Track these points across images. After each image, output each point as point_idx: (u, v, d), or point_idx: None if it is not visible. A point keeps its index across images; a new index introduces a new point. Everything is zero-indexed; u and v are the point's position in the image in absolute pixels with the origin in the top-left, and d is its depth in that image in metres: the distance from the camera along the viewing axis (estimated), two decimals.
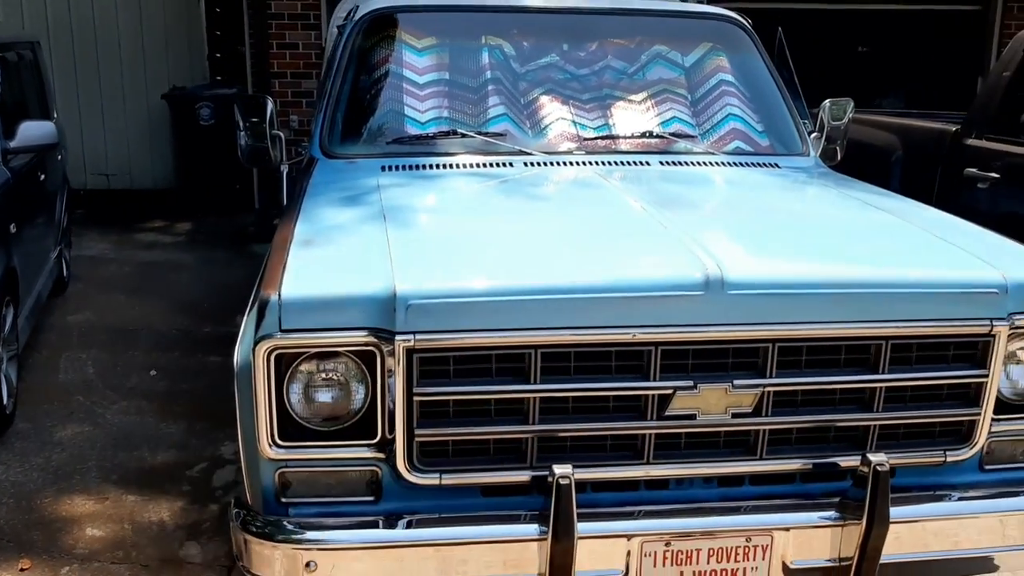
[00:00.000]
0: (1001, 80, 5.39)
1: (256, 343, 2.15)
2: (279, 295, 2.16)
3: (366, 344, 2.17)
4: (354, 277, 2.24)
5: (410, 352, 2.16)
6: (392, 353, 2.16)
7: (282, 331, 2.15)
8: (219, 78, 10.05)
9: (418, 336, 2.15)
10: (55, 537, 3.42)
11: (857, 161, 5.03)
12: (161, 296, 6.53)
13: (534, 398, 2.23)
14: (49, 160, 5.75)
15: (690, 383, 2.24)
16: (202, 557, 3.32)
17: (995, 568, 2.58)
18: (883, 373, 2.30)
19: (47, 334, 5.57)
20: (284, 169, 3.82)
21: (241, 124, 3.79)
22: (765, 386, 2.26)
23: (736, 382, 2.25)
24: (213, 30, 10.16)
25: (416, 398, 2.19)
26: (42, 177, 5.44)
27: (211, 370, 5.09)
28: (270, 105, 3.71)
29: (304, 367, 2.21)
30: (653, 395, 2.25)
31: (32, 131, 4.74)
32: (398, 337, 2.14)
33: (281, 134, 3.74)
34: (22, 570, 3.22)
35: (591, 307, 2.19)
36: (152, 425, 4.39)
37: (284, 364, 2.19)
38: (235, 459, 4.03)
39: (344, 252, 2.45)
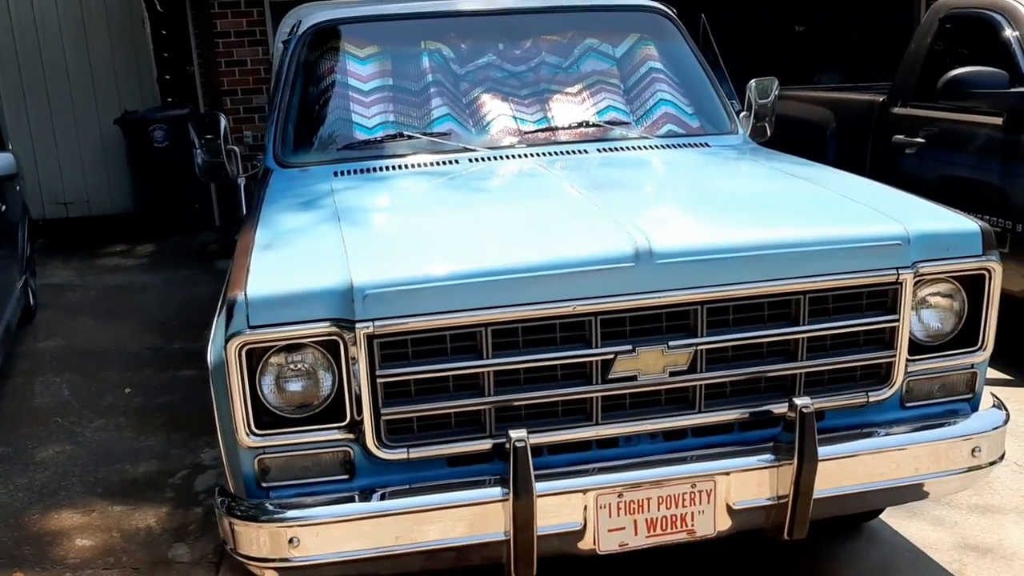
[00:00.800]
0: (920, 49, 5.68)
1: (227, 340, 2.33)
2: (245, 294, 2.34)
3: (329, 334, 2.35)
4: (313, 273, 2.42)
5: (370, 338, 2.35)
6: (354, 340, 2.34)
7: (250, 327, 2.32)
8: (170, 100, 10.16)
9: (376, 323, 2.34)
10: (46, 550, 3.56)
11: (795, 136, 5.29)
12: (129, 317, 6.64)
13: (488, 372, 2.43)
14: (8, 191, 5.85)
15: (629, 347, 2.45)
16: (190, 556, 3.48)
17: (925, 495, 2.83)
18: (804, 325, 2.53)
19: (19, 362, 5.68)
20: (241, 182, 3.99)
21: (196, 142, 3.96)
22: (697, 345, 2.47)
23: (671, 343, 2.46)
24: (161, 52, 10.25)
25: (379, 380, 2.38)
26: (3, 208, 5.55)
27: (184, 383, 5.23)
28: (223, 121, 3.88)
29: (273, 360, 2.38)
30: (596, 361, 2.45)
31: None
32: (358, 325, 2.33)
33: (236, 148, 3.92)
34: None
35: (533, 284, 2.39)
36: (131, 439, 4.53)
37: (255, 358, 2.37)
38: (215, 464, 4.22)
39: (303, 251, 2.64)
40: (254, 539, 2.41)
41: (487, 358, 2.41)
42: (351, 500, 2.41)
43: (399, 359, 2.40)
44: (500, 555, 2.48)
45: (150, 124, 9.34)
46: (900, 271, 2.53)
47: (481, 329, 2.40)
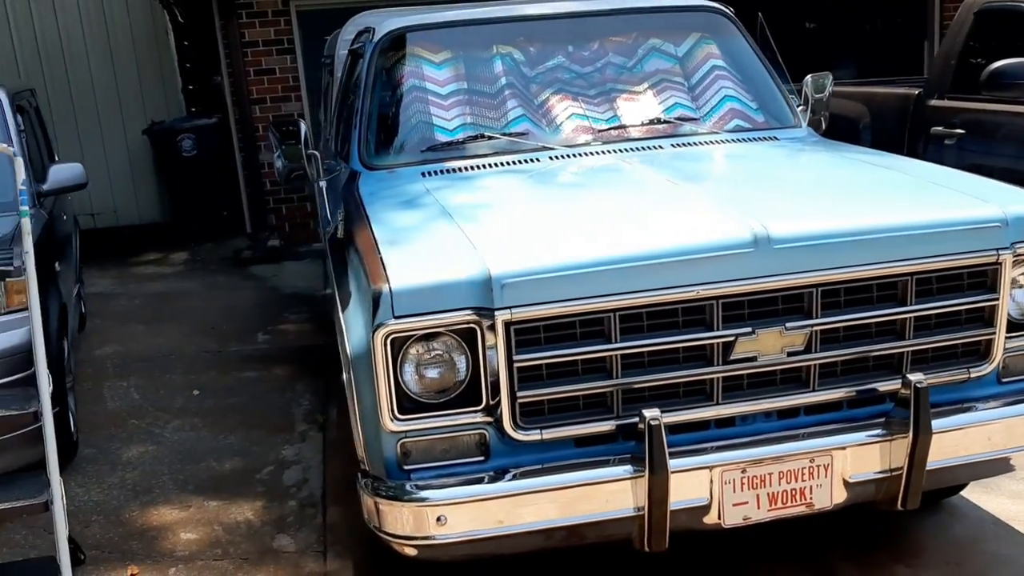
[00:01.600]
0: (956, 44, 5.82)
1: (374, 330, 2.45)
2: (390, 287, 2.47)
3: (468, 322, 2.48)
4: (450, 265, 2.54)
5: (508, 325, 2.48)
6: (492, 327, 2.47)
7: (395, 317, 2.45)
8: (194, 109, 10.29)
9: (513, 310, 2.47)
10: (153, 544, 3.67)
11: (828, 131, 5.42)
12: (178, 323, 6.75)
13: (616, 355, 2.55)
14: (63, 202, 5.96)
15: (749, 329, 2.58)
16: (295, 546, 3.59)
17: (1011, 468, 2.95)
18: (911, 305, 2.66)
19: (82, 368, 5.77)
20: (323, 184, 4.10)
21: (276, 147, 4.08)
22: (813, 326, 2.61)
23: (788, 325, 2.59)
24: (183, 63, 10.38)
25: (515, 364, 2.51)
26: (64, 218, 5.66)
27: (249, 384, 5.35)
28: (304, 126, 3.98)
29: (413, 348, 2.51)
30: (718, 343, 2.58)
31: (62, 174, 4.97)
32: (497, 313, 2.46)
33: (317, 153, 4.02)
34: (132, 575, 3.47)
35: (659, 271, 2.52)
36: (210, 438, 4.64)
37: (396, 347, 2.49)
38: (298, 459, 4.35)
39: (430, 246, 2.75)
40: (399, 517, 2.53)
41: (615, 342, 2.54)
42: (493, 480, 2.54)
43: (533, 344, 2.52)
44: (629, 531, 2.61)
45: (178, 134, 9.49)
46: (1000, 252, 2.67)
47: (609, 314, 2.53)
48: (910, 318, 2.67)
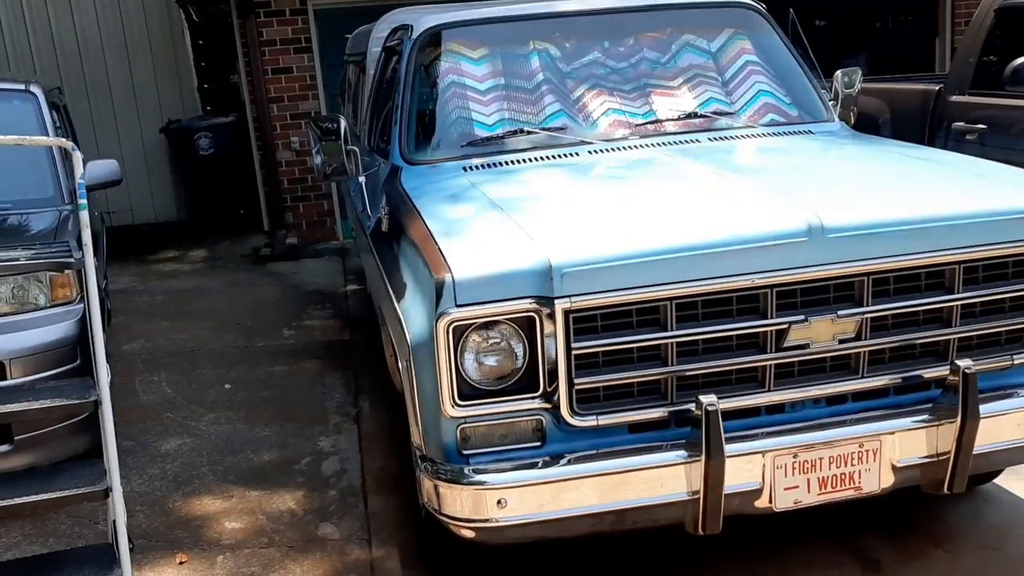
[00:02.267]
0: (976, 40, 5.88)
1: (437, 319, 2.51)
2: (452, 276, 2.52)
3: (528, 311, 2.54)
4: (510, 255, 2.60)
5: (567, 313, 2.53)
6: (551, 316, 2.53)
7: (458, 306, 2.51)
8: (208, 108, 10.35)
9: (573, 299, 2.53)
10: (199, 533, 3.73)
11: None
12: (204, 319, 6.80)
13: (671, 343, 2.61)
14: (91, 199, 6.01)
15: (802, 317, 2.64)
16: (340, 534, 3.65)
17: None
18: (958, 293, 2.72)
19: (111, 363, 5.81)
20: (362, 180, 4.16)
21: (314, 144, 4.13)
22: (864, 314, 2.66)
23: (840, 312, 2.65)
24: (198, 62, 10.44)
25: (573, 352, 2.56)
26: (96, 214, 5.72)
27: (281, 379, 5.40)
28: (344, 123, 4.03)
29: (473, 336, 2.57)
30: (771, 331, 2.64)
31: (98, 169, 5.01)
32: (557, 301, 2.52)
33: (355, 149, 4.08)
34: (181, 563, 3.52)
35: (716, 260, 2.58)
36: (246, 431, 4.70)
37: (456, 335, 2.55)
38: (335, 451, 4.40)
39: (486, 237, 2.81)
40: (459, 500, 2.59)
41: (671, 330, 2.60)
42: (553, 464, 2.59)
43: (590, 332, 2.58)
44: (681, 515, 2.67)
45: (195, 132, 9.56)
46: None
47: (666, 303, 2.58)
48: (957, 306, 2.73)
